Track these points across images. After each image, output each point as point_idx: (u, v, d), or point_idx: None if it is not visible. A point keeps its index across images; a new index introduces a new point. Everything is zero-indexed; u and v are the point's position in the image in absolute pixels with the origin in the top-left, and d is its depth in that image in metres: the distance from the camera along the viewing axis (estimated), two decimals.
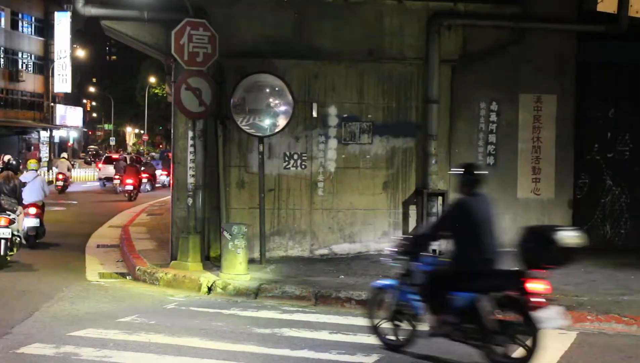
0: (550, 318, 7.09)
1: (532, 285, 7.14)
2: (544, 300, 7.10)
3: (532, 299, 7.08)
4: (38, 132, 63.54)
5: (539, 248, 7.24)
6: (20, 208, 14.23)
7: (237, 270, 11.82)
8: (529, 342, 7.09)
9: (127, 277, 12.98)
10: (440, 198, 14.46)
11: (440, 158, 14.55)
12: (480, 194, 7.99)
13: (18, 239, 13.94)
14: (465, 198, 7.90)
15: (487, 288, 7.35)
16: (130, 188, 29.52)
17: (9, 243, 13.37)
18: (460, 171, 8.00)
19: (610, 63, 15.37)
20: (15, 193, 14.16)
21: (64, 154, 37.80)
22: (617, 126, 15.75)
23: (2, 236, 13.24)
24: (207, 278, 11.87)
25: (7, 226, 13.36)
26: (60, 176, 32.81)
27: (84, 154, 57.99)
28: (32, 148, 62.18)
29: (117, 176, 32.51)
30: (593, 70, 15.29)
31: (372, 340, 8.48)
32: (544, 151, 15.01)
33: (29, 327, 8.85)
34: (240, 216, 13.72)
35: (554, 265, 7.28)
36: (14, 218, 13.74)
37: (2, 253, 13.22)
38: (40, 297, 10.65)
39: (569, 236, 7.21)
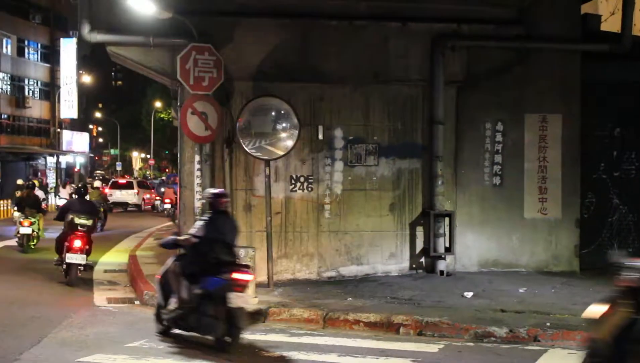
0: None
1: None
2: None
3: None
4: (45, 158, 63.68)
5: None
6: (39, 214, 20.51)
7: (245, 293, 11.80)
8: None
9: (135, 302, 12.95)
10: (447, 218, 14.45)
11: (447, 178, 14.56)
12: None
13: (36, 233, 20.08)
14: None
15: None
16: (168, 206, 35.16)
17: (31, 237, 19.95)
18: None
19: (615, 82, 15.39)
20: (35, 205, 20.55)
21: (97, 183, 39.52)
22: (623, 144, 15.76)
23: (25, 232, 19.81)
24: None
25: (29, 226, 19.82)
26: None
27: (90, 179, 58.17)
28: (39, 173, 62.34)
29: (157, 197, 39.39)
30: (598, 89, 15.31)
31: (380, 362, 8.45)
32: (550, 170, 15.01)
33: (37, 353, 8.84)
34: (247, 240, 13.72)
35: None
36: (34, 221, 20.01)
37: (26, 243, 19.88)
38: (48, 323, 10.65)
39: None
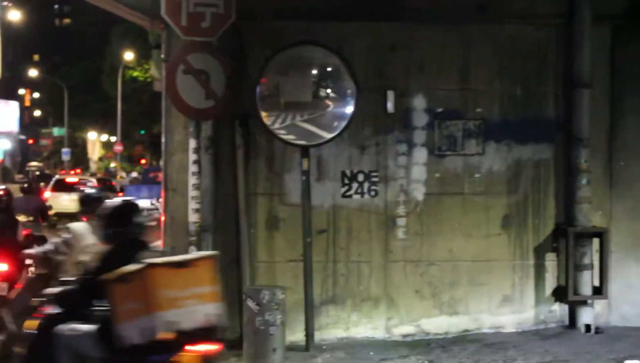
0: None
1: None
2: None
3: None
4: None
5: None
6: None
7: (270, 362, 11.87)
8: None
9: None
10: (596, 240, 14.36)
11: (595, 175, 14.47)
12: None
13: None
14: None
15: None
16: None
17: None
18: None
19: None
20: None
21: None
22: None
23: None
24: None
25: None
26: None
27: (21, 176, 58.57)
28: None
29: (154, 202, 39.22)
30: None
31: None
32: None
33: None
34: (273, 275, 13.80)
35: None
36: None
37: None
38: None
39: None
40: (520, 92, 14.55)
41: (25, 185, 26.13)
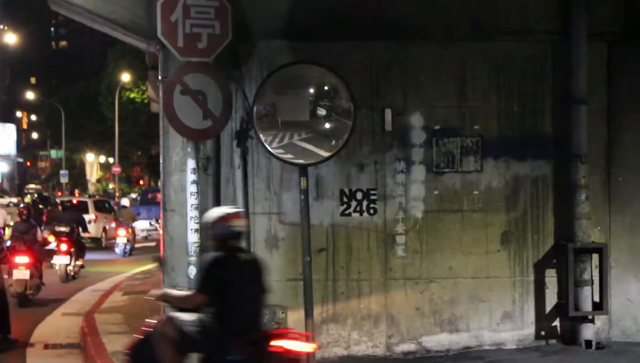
0: None
1: None
2: None
3: None
4: None
5: None
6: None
7: None
8: None
9: None
10: (596, 255, 14.34)
11: (594, 191, 14.48)
12: None
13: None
14: None
15: None
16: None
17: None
18: None
19: None
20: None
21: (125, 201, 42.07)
22: None
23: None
24: None
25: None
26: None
27: (19, 198, 58.41)
28: None
29: (152, 223, 43.29)
30: None
31: None
32: None
33: None
34: (273, 293, 13.73)
35: None
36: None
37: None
38: None
39: None
40: (517, 109, 14.57)
41: (68, 203, 35.92)
